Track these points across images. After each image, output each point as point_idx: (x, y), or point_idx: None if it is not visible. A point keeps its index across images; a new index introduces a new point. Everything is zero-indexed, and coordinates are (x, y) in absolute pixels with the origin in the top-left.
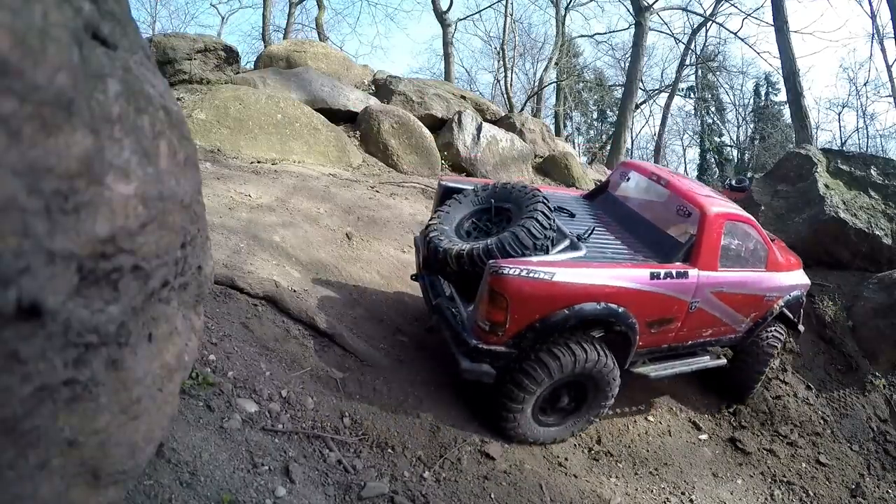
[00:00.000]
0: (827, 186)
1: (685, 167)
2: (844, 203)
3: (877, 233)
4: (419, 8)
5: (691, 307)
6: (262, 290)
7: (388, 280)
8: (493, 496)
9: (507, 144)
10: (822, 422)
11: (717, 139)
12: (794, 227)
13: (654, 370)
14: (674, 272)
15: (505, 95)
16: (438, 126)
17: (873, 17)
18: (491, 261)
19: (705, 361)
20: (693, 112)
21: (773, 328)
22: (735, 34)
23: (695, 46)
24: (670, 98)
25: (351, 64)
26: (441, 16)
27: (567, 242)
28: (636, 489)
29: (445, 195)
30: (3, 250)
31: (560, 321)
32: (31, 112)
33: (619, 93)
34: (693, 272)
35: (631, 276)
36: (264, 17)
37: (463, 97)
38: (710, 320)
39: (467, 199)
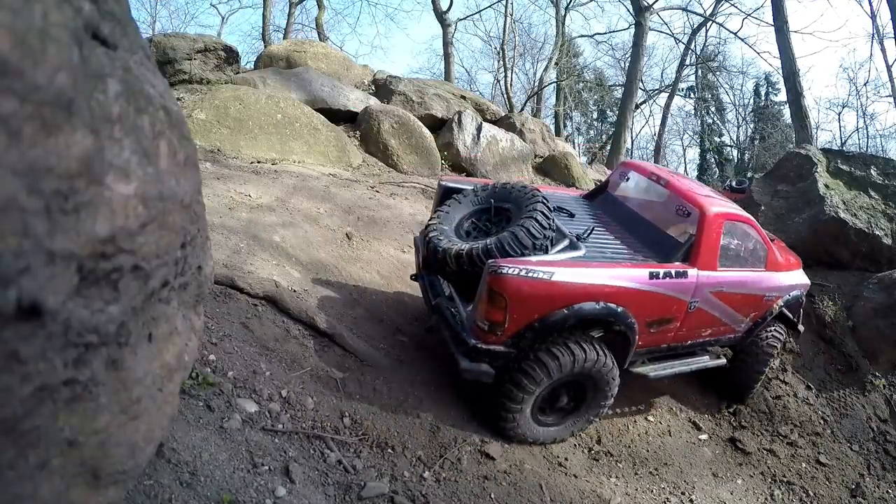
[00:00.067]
0: (827, 186)
1: (685, 167)
2: (844, 203)
3: (877, 233)
4: (419, 8)
5: (690, 307)
6: (262, 290)
7: (388, 280)
8: (493, 496)
9: (507, 144)
10: (822, 422)
11: (717, 139)
12: (794, 227)
13: (653, 370)
14: (673, 272)
15: (505, 95)
16: (438, 126)
17: (873, 17)
18: (490, 260)
19: (705, 361)
20: (693, 112)
21: (772, 328)
22: (735, 34)
23: (695, 46)
24: (670, 98)
25: (351, 64)
26: (441, 16)
27: (566, 242)
28: (636, 489)
29: (445, 195)
30: (3, 250)
31: (559, 321)
32: (31, 112)
33: (619, 93)
34: (692, 272)
35: (630, 275)
36: (264, 17)
37: (463, 97)
38: (710, 320)
39: (467, 200)
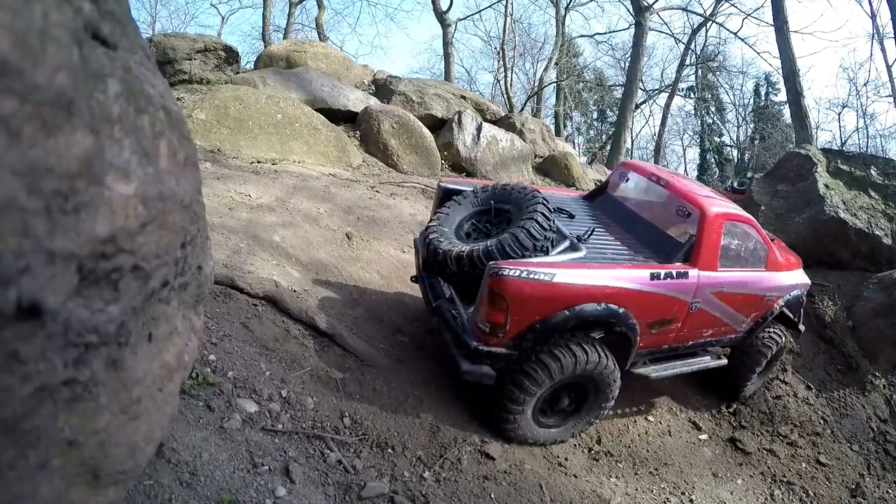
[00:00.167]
0: (827, 186)
1: (685, 167)
2: (844, 203)
3: (877, 233)
4: (419, 8)
5: (692, 307)
6: (262, 290)
7: (388, 280)
8: (493, 496)
9: (507, 144)
10: (822, 422)
11: (717, 139)
12: (794, 227)
13: (654, 371)
14: (674, 272)
15: (505, 95)
16: (438, 126)
17: (873, 17)
18: (490, 262)
19: (706, 362)
20: (693, 112)
21: (771, 329)
22: (735, 34)
23: (695, 46)
24: (670, 98)
25: (351, 64)
26: (441, 16)
27: (567, 243)
28: (636, 489)
29: (445, 196)
30: (3, 250)
31: (560, 322)
32: (31, 112)
33: (619, 93)
34: (693, 272)
35: (631, 276)
36: (264, 17)
37: (463, 97)
38: (711, 320)
39: (467, 201)
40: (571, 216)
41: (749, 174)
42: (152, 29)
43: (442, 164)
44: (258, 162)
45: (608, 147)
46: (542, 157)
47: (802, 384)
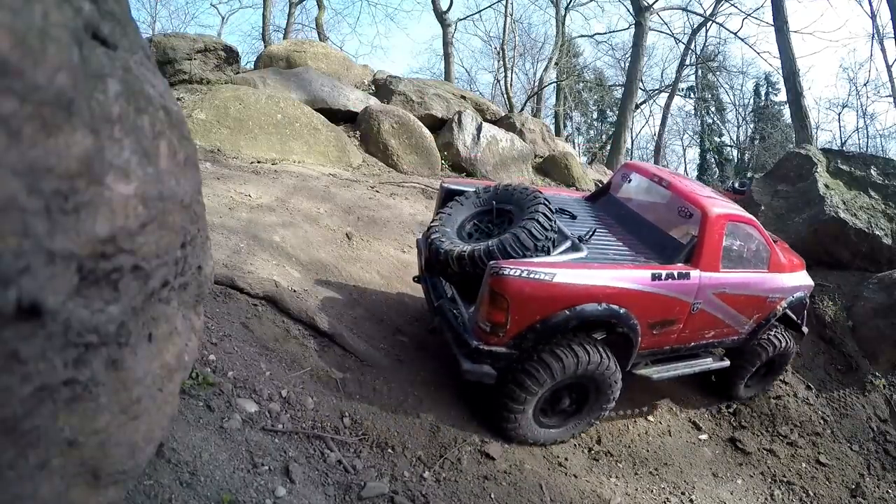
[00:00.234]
0: (827, 186)
1: (685, 167)
2: (844, 203)
3: (877, 233)
4: (419, 8)
5: (693, 308)
6: (262, 290)
7: (389, 280)
8: (493, 496)
9: (507, 144)
10: (822, 422)
11: (717, 139)
12: (794, 227)
13: (656, 372)
14: (675, 273)
15: (505, 95)
16: (438, 126)
17: (873, 17)
18: (492, 262)
19: (708, 363)
20: (693, 112)
21: (772, 331)
22: (735, 34)
23: (695, 46)
24: (670, 98)
25: (351, 64)
26: (441, 16)
27: (568, 244)
28: (636, 489)
29: (447, 197)
30: (3, 250)
31: (561, 322)
32: (31, 112)
33: (619, 93)
34: (695, 273)
35: (632, 277)
36: (264, 17)
37: (463, 97)
38: (713, 322)
39: (469, 201)
40: (573, 217)
41: (749, 174)
42: (152, 29)
43: (442, 164)
44: (258, 162)
45: (608, 147)
46: (542, 157)
47: (802, 384)
